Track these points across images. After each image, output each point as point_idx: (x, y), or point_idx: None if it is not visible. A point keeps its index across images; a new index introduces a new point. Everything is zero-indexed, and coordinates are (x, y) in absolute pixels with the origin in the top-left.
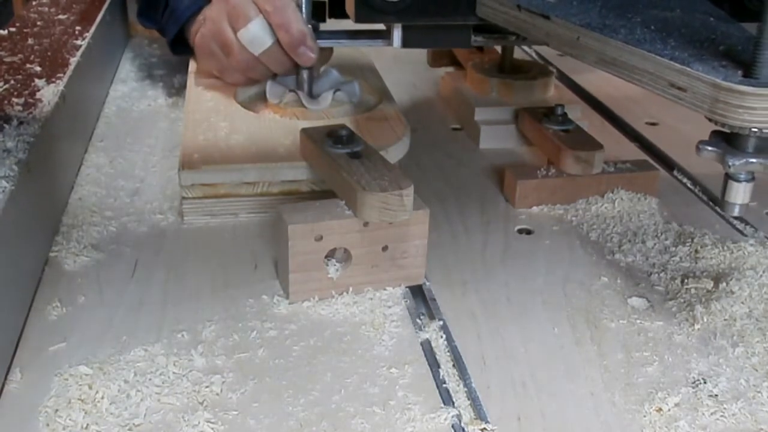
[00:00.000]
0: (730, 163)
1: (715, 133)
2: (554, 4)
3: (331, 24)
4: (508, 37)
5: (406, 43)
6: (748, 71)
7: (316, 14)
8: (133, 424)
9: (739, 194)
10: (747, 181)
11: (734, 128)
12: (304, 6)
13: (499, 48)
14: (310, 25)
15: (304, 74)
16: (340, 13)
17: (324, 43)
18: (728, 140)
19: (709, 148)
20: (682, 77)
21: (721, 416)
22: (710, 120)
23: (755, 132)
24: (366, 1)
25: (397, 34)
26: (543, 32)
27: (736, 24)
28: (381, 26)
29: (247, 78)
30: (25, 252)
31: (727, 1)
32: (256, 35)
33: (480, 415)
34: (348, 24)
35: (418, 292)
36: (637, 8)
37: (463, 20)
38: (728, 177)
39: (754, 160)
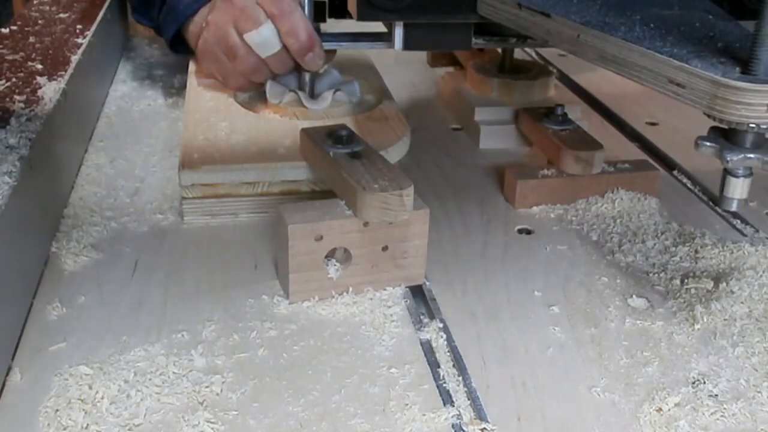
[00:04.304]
0: (728, 159)
1: (713, 129)
2: (554, 2)
3: (330, 24)
4: (508, 40)
5: (407, 45)
6: (746, 68)
7: (317, 15)
8: (133, 424)
9: (737, 190)
10: (745, 176)
11: (732, 124)
12: (306, 7)
13: (499, 48)
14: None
15: (306, 75)
16: (340, 13)
17: (326, 46)
18: (726, 136)
19: (708, 143)
20: (681, 74)
21: (721, 416)
22: (708, 116)
23: (753, 128)
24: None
25: (398, 35)
26: (543, 30)
27: (735, 22)
28: (383, 28)
29: (250, 82)
30: (26, 251)
31: None
32: (266, 38)
33: (480, 415)
34: (347, 24)
35: (418, 292)
36: (636, 6)
37: (464, 18)
38: (726, 172)
39: (751, 155)
